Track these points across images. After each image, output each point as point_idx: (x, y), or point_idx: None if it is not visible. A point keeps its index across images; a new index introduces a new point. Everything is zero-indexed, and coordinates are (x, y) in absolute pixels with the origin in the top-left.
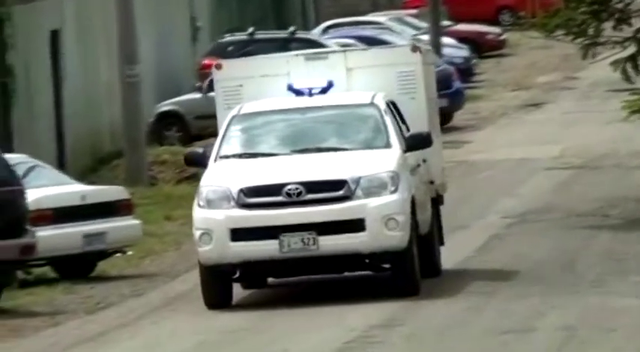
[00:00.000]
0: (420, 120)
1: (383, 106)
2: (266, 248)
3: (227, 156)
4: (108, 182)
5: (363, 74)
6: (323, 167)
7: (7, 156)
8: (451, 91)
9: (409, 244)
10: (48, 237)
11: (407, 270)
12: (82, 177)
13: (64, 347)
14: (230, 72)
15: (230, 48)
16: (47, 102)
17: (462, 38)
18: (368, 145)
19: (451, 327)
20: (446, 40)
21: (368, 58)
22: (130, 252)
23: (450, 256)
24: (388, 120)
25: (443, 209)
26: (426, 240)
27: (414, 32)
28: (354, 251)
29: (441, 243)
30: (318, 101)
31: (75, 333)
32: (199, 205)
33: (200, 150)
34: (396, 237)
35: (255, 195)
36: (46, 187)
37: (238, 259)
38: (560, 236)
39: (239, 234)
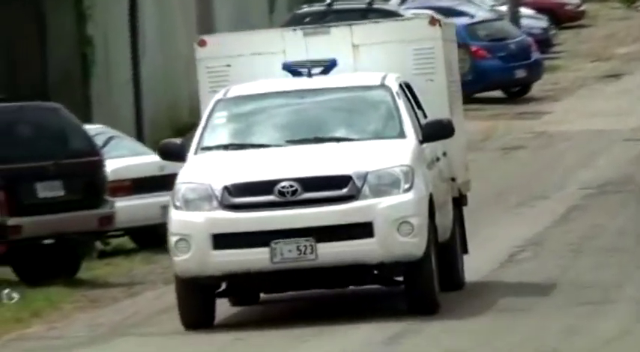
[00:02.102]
0: (439, 105)
1: (395, 89)
2: (254, 257)
3: (210, 148)
4: None
5: (373, 51)
6: (323, 160)
7: (87, 126)
8: (530, 62)
9: (426, 252)
10: (126, 207)
11: (423, 283)
12: None
13: (144, 317)
14: (215, 49)
15: (307, 19)
16: (126, 73)
17: (541, 9)
18: (377, 135)
19: (529, 298)
20: (524, 10)
21: (378, 33)
22: None
23: (530, 227)
24: (401, 104)
25: (521, 180)
26: (447, 248)
27: (492, 3)
28: (360, 261)
29: (464, 251)
30: (318, 83)
31: (153, 303)
32: (175, 206)
33: (178, 140)
34: (411, 244)
35: (243, 194)
36: (125, 158)
37: (221, 271)
38: (639, 207)
39: (222, 240)
